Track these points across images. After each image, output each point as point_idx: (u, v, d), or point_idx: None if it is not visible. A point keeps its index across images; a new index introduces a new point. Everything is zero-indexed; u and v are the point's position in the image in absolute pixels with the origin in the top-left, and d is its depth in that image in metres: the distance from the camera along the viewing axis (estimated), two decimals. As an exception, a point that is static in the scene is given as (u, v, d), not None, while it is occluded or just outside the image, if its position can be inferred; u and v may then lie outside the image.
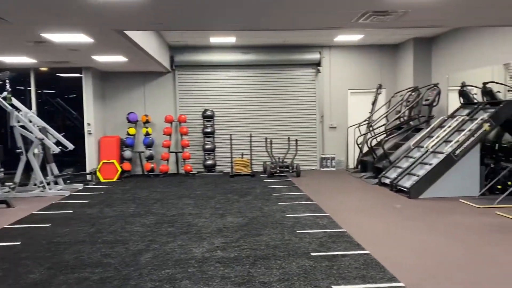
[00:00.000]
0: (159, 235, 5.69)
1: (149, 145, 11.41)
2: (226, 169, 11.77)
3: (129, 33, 6.72)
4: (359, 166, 11.23)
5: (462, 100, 9.67)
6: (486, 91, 9.46)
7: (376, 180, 9.43)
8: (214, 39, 10.56)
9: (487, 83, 9.58)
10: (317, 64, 11.88)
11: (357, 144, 11.24)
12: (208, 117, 11.58)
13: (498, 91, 9.42)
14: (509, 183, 7.63)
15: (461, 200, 7.45)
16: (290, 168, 10.88)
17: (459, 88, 9.61)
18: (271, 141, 11.25)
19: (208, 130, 11.56)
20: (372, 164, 10.30)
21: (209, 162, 11.56)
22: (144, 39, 7.94)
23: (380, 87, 11.72)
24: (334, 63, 12.04)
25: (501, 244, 5.00)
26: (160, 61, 9.86)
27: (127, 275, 4.25)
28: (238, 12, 5.26)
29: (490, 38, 8.90)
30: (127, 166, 11.19)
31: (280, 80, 11.95)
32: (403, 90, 10.99)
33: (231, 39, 10.60)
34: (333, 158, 12.02)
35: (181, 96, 11.85)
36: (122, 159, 11.24)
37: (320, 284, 3.91)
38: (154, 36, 9.07)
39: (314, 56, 11.74)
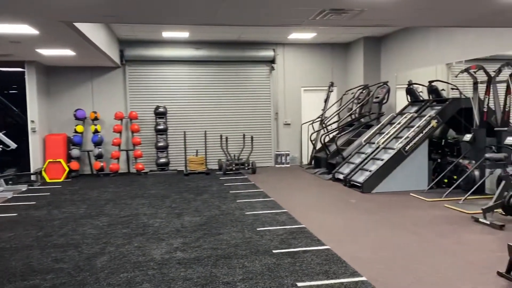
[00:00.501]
0: (114, 237, 5.45)
1: (98, 143, 10.94)
2: (180, 167, 11.54)
3: (78, 25, 6.38)
4: (312, 162, 11.40)
5: (409, 98, 10.07)
6: (432, 89, 9.91)
7: (330, 176, 9.62)
8: (167, 34, 10.30)
9: (433, 81, 10.04)
10: (271, 61, 11.91)
11: (311, 141, 11.41)
12: (160, 114, 11.29)
13: (443, 89, 9.90)
14: (455, 177, 8.02)
15: (411, 194, 7.75)
16: (246, 165, 10.85)
17: (407, 86, 10.00)
18: (226, 138, 11.16)
19: (161, 127, 11.27)
20: (325, 160, 10.49)
21: (162, 160, 11.28)
22: (93, 32, 7.57)
23: (332, 85, 11.95)
24: (288, 60, 12.13)
25: (451, 236, 5.24)
26: (110, 56, 9.47)
27: (83, 281, 4.03)
28: (194, 5, 5.12)
29: (435, 39, 9.31)
30: (74, 165, 10.67)
31: (234, 77, 11.87)
32: (354, 88, 11.28)
33: (184, 34, 10.38)
34: (288, 154, 12.12)
35: (132, 92, 11.47)
36: (69, 158, 10.71)
37: (285, 281, 3.89)
38: (103, 29, 8.68)
39: (268, 53, 11.77)
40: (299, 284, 3.83)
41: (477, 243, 4.93)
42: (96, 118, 10.97)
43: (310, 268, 4.19)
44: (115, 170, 11.00)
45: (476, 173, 7.44)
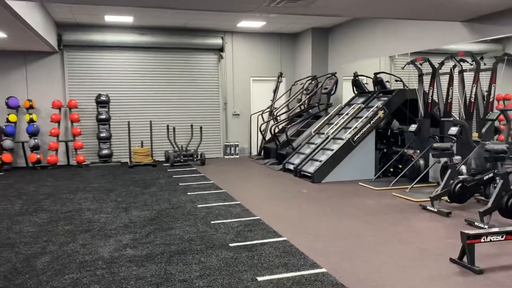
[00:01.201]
0: (55, 235, 5.04)
1: (33, 134, 10.17)
2: (124, 159, 11.03)
3: (11, 3, 5.79)
4: (262, 153, 11.34)
5: (355, 89, 10.26)
6: (377, 81, 10.15)
7: (280, 166, 9.60)
8: (110, 18, 9.72)
9: (378, 73, 10.29)
10: (219, 50, 11.65)
11: (260, 131, 11.33)
12: (102, 103, 10.69)
13: (387, 81, 10.19)
14: (400, 166, 8.28)
15: (360, 183, 7.90)
16: (195, 156, 10.57)
17: (352, 78, 10.18)
18: (173, 128, 10.79)
19: (103, 116, 10.68)
20: (275, 151, 10.46)
21: (105, 151, 10.71)
22: (28, 12, 6.93)
23: (281, 75, 11.91)
24: (237, 49, 11.93)
25: (403, 224, 5.35)
26: (47, 39, 8.77)
27: (22, 284, 3.65)
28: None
29: (380, 31, 9.51)
30: (7, 157, 9.84)
31: (181, 65, 11.49)
32: (303, 79, 11.31)
33: (128, 18, 9.85)
34: (237, 145, 11.97)
35: (71, 79, 10.75)
36: (1, 150, 9.86)
37: (244, 276, 3.76)
38: (39, 11, 8.00)
39: (216, 41, 11.49)
40: (259, 278, 3.71)
41: (427, 230, 5.07)
42: (31, 107, 10.18)
43: (269, 261, 4.08)
44: (53, 162, 10.30)
45: (421, 162, 7.71)
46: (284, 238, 4.76)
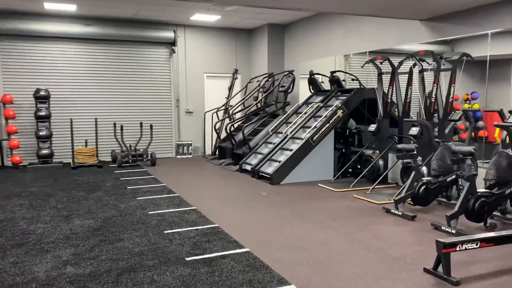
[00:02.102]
0: (-19, 252, 4.34)
1: (-39, 132, 9.11)
2: (66, 159, 10.17)
3: None
4: (217, 153, 10.88)
5: (311, 88, 10.05)
6: (334, 80, 10.00)
7: (237, 167, 9.19)
8: (50, 5, 8.85)
9: (335, 72, 10.14)
10: (171, 43, 11.04)
11: (215, 130, 10.86)
12: (42, 98, 9.77)
13: (344, 80, 10.06)
14: (359, 166, 8.12)
15: (319, 184, 7.65)
16: (144, 156, 9.92)
17: (309, 76, 9.95)
18: (121, 126, 10.07)
19: (42, 113, 9.76)
20: (231, 151, 10.04)
21: (45, 151, 9.81)
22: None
23: (236, 72, 11.48)
24: (190, 44, 11.36)
25: (368, 229, 5.11)
26: (-25, 26, 7.82)
27: None
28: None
29: (339, 29, 9.33)
30: None
31: (130, 59, 10.77)
32: (259, 76, 10.95)
33: (70, 7, 9.03)
34: (190, 144, 11.42)
35: (6, 72, 9.74)
36: None
37: (204, 297, 3.32)
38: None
39: (168, 34, 10.87)
40: (222, 300, 3.28)
41: (395, 236, 4.85)
42: (-43, 102, 9.11)
43: (232, 278, 3.66)
44: (-15, 164, 9.29)
45: (381, 163, 7.58)
46: (247, 249, 4.35)
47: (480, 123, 9.56)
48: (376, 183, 7.05)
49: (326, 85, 10.01)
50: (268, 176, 7.85)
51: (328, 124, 8.08)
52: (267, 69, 11.11)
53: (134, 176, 8.55)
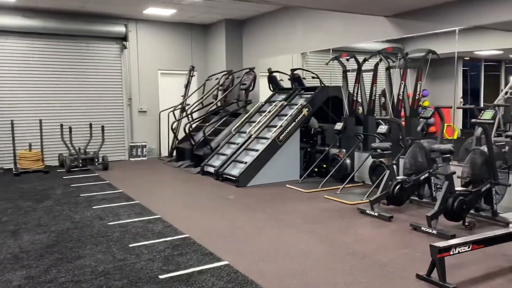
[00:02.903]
0: None
1: None
2: (7, 165, 9.24)
3: None
4: (174, 154, 10.35)
5: (271, 86, 9.79)
6: (295, 78, 9.81)
7: (198, 169, 8.74)
8: (-15, -6, 7.95)
9: (295, 69, 9.96)
10: (122, 39, 10.36)
11: (172, 130, 10.31)
12: (-23, 98, 8.80)
13: (304, 78, 9.90)
14: (324, 165, 7.96)
15: (287, 185, 7.40)
16: (96, 160, 9.21)
17: (268, 74, 9.68)
18: (69, 128, 9.27)
19: (-21, 115, 8.80)
20: (190, 152, 9.56)
21: (-18, 157, 8.84)
22: None
23: (192, 69, 10.98)
24: (143, 39, 10.73)
25: (348, 232, 4.90)
26: None
27: None
28: None
29: (301, 26, 9.12)
30: None
31: (78, 55, 9.97)
32: (218, 73, 10.53)
33: (10, -3, 8.17)
34: (144, 146, 10.80)
35: None
36: None
37: (188, 323, 2.92)
38: None
39: (119, 28, 10.18)
40: (210, 325, 2.90)
41: (377, 239, 4.66)
42: None
43: (216, 297, 3.28)
44: None
45: (348, 161, 7.45)
46: (225, 262, 3.98)
47: (431, 120, 9.77)
48: (345, 182, 6.91)
49: (285, 83, 9.79)
50: (233, 178, 7.49)
51: (294, 123, 7.84)
52: (226, 66, 10.72)
53: (86, 182, 7.87)
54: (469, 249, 3.60)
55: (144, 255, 4.18)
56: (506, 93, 10.83)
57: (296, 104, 8.15)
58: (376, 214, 5.43)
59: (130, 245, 4.46)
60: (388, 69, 7.07)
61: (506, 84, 9.79)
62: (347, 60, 7.50)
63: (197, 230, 4.97)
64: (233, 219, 5.46)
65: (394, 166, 6.01)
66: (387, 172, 5.59)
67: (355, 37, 7.76)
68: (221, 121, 9.73)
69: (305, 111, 7.96)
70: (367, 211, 5.55)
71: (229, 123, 9.46)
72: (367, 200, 6.13)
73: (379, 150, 5.73)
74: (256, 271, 3.77)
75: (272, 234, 4.85)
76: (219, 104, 10.04)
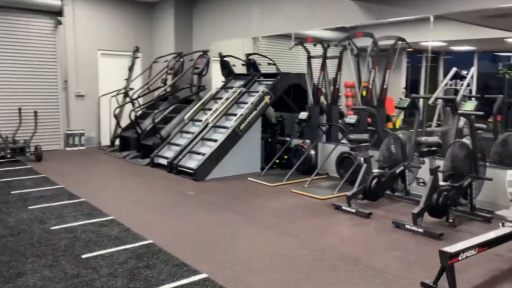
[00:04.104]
0: None
1: None
2: None
3: None
4: (116, 144, 9.42)
5: (223, 71, 9.17)
6: (250, 63, 9.29)
7: (147, 161, 7.94)
8: None
9: (250, 54, 9.43)
10: (57, 13, 9.17)
11: (115, 117, 9.36)
12: None
13: (260, 64, 9.41)
14: (286, 157, 7.55)
15: (249, 178, 6.89)
16: (27, 150, 8.08)
17: (220, 58, 9.05)
18: (-6, 113, 8.05)
19: None
20: (136, 141, 8.71)
21: None
22: None
23: (137, 50, 10.02)
24: (81, 15, 9.58)
25: (329, 232, 4.50)
26: None
27: None
28: None
29: (255, 8, 8.55)
30: None
31: (5, 30, 8.68)
32: (166, 55, 9.67)
33: None
34: (82, 134, 9.73)
35: None
36: None
37: None
38: None
39: (53, 2, 8.98)
40: None
41: (362, 240, 4.29)
42: None
43: (203, 324, 2.70)
44: None
45: (312, 153, 7.08)
46: (204, 275, 3.39)
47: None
48: (313, 175, 6.52)
49: (237, 69, 9.21)
50: (191, 171, 6.83)
51: (255, 111, 7.31)
52: (174, 48, 9.90)
53: (17, 176, 6.82)
54: (476, 252, 3.31)
55: (103, 268, 3.47)
56: (446, 84, 11.06)
57: (256, 91, 7.61)
58: (353, 210, 5.08)
59: (83, 256, 3.71)
60: (357, 56, 6.74)
61: (445, 75, 10.02)
62: (314, 45, 7.08)
63: (161, 234, 4.31)
64: (200, 220, 4.84)
65: (363, 159, 5.69)
66: (364, 165, 5.25)
67: (319, 22, 7.35)
68: (171, 108, 8.96)
69: (267, 98, 7.45)
70: (343, 207, 5.19)
71: (181, 111, 8.73)
72: (339, 195, 5.86)
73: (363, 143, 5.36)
74: (244, 286, 3.22)
75: (249, 237, 4.32)
76: (168, 89, 9.23)
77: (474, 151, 4.78)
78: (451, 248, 3.16)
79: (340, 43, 6.79)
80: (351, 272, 3.52)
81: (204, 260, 3.69)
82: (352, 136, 5.35)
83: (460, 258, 3.18)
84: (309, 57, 7.32)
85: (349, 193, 5.18)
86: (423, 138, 4.52)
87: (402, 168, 5.46)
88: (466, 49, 10.12)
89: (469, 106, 4.84)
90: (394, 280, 3.38)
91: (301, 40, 7.32)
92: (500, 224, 4.19)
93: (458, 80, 11.21)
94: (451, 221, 4.57)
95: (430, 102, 6.11)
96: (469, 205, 4.94)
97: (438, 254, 3.12)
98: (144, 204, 5.45)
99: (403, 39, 6.49)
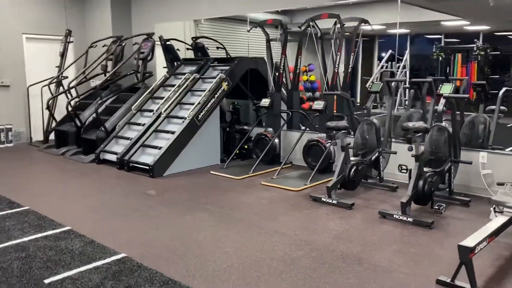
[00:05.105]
0: None
1: None
2: None
3: None
4: (51, 139, 8.41)
5: (167, 56, 8.49)
6: (198, 47, 8.69)
7: (92, 157, 7.13)
8: None
9: (198, 38, 8.82)
10: (-29, -10, 7.89)
11: (48, 109, 8.32)
12: None
13: (208, 48, 8.85)
14: (246, 146, 7.15)
15: (211, 171, 6.40)
16: None
17: (163, 42, 8.35)
18: None
19: None
20: (76, 135, 7.81)
21: None
22: None
23: (69, 33, 8.96)
24: (0, -8, 8.35)
25: (316, 229, 4.19)
26: None
27: None
28: None
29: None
30: None
31: None
32: (104, 39, 8.73)
33: None
34: (9, 129, 8.57)
35: None
36: None
37: None
38: None
39: (-35, -24, 7.70)
40: None
41: (353, 234, 4.02)
42: None
43: None
44: None
45: (276, 141, 6.73)
46: (199, 292, 2.92)
47: (317, 94, 9.67)
48: (282, 165, 6.19)
49: (182, 54, 8.56)
50: (146, 167, 6.18)
51: (213, 99, 6.78)
52: (112, 32, 9.00)
53: None
54: (487, 243, 3.17)
55: (75, 296, 2.87)
56: (382, 67, 11.27)
57: (212, 77, 7.08)
58: (335, 202, 4.82)
59: (46, 281, 3.06)
60: (320, 38, 6.45)
61: (379, 59, 10.21)
62: (276, 27, 6.68)
63: (133, 245, 3.74)
64: (173, 224, 4.31)
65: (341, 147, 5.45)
66: (342, 154, 4.99)
67: (269, 3, 6.98)
68: (114, 97, 8.13)
69: (224, 85, 6.95)
70: (323, 199, 4.91)
71: (126, 100, 7.96)
72: (311, 185, 5.59)
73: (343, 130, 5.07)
74: (249, 302, 2.81)
75: (234, 240, 3.88)
76: (110, 77, 8.35)
77: (454, 134, 4.70)
78: (469, 242, 2.98)
79: (304, 25, 6.43)
80: (359, 274, 3.23)
81: (194, 274, 3.20)
82: (331, 124, 5.06)
83: (476, 251, 3.02)
84: (268, 40, 6.92)
85: (329, 184, 4.91)
86: (410, 124, 4.34)
87: (377, 154, 5.30)
88: (400, 32, 10.33)
89: (447, 88, 4.74)
90: (407, 279, 3.15)
91: (260, 22, 6.89)
92: (492, 209, 4.15)
93: (394, 63, 11.48)
94: (436, 208, 4.46)
95: (367, 85, 6.03)
96: (448, 189, 4.90)
97: (457, 249, 2.92)
98: (102, 209, 4.78)
99: (366, 21, 6.30)
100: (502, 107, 5.67)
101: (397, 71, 11.16)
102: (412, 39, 10.89)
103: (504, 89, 5.78)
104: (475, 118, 5.65)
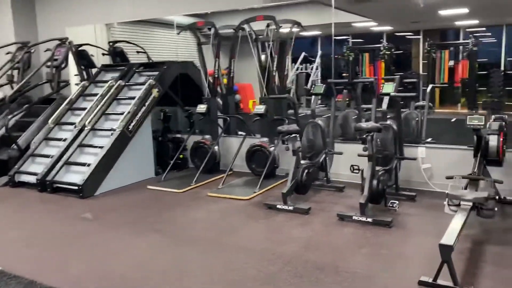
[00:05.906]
0: None
1: None
2: None
3: None
4: None
5: (80, 63, 7.77)
6: (117, 52, 8.10)
7: (4, 180, 6.21)
8: None
9: (115, 42, 8.22)
10: None
11: None
12: None
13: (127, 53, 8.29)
14: (181, 156, 6.77)
15: (149, 186, 5.91)
16: None
17: (76, 48, 7.63)
18: None
19: None
20: (-21, 156, 6.77)
21: None
22: None
23: (-39, 39, 7.77)
24: None
25: (284, 239, 4.01)
26: None
27: None
28: None
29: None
30: None
31: None
32: (7, 45, 7.70)
33: None
34: None
35: None
36: None
37: None
38: None
39: None
40: None
41: (321, 242, 3.89)
42: None
43: None
44: None
45: (216, 148, 6.44)
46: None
47: (237, 96, 9.68)
48: (226, 173, 5.90)
49: (97, 60, 7.90)
50: (75, 187, 5.51)
51: (144, 108, 6.29)
52: (15, 37, 8.00)
53: None
54: (458, 240, 3.23)
55: None
56: (298, 68, 11.62)
57: (140, 84, 6.58)
58: (291, 208, 4.68)
59: None
60: (256, 40, 6.30)
61: (293, 60, 10.54)
62: (209, 29, 6.38)
63: (86, 281, 3.23)
64: (125, 252, 3.83)
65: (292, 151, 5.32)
66: (294, 158, 4.88)
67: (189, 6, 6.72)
68: (25, 111, 7.20)
69: (155, 92, 6.49)
70: (278, 206, 4.75)
71: (39, 113, 7.10)
72: (260, 192, 5.42)
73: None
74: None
75: (200, 264, 3.53)
76: (15, 87, 7.37)
77: (399, 132, 4.83)
78: (448, 240, 3.00)
79: (238, 27, 6.22)
80: (341, 284, 3.11)
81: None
82: (283, 128, 4.91)
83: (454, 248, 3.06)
84: (199, 43, 6.61)
85: (284, 190, 4.76)
86: (363, 124, 4.35)
87: (324, 156, 5.29)
88: (311, 34, 10.66)
89: (389, 87, 4.85)
90: (390, 283, 3.10)
91: (190, 24, 6.54)
92: (445, 203, 4.29)
93: (307, 64, 11.82)
94: (390, 205, 4.53)
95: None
96: (394, 186, 5.03)
97: (438, 248, 2.93)
98: (35, 241, 4.11)
99: (298, 23, 6.29)
100: (430, 104, 6.02)
101: (311, 71, 11.48)
102: (322, 40, 11.29)
103: (430, 86, 6.12)
104: (408, 114, 5.91)
